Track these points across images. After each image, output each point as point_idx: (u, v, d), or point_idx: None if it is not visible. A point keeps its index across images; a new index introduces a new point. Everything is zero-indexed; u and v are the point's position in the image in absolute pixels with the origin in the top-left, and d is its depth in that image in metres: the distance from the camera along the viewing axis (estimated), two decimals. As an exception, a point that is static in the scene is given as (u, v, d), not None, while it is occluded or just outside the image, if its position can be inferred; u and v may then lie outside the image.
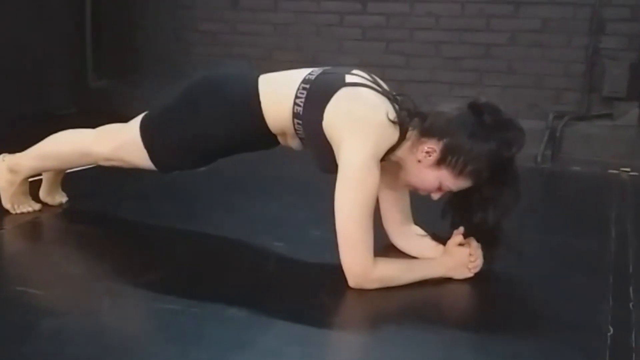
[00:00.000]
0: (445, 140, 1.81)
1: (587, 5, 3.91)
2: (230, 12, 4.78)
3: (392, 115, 1.86)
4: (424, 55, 4.31)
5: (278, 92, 1.98)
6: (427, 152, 1.83)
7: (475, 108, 1.83)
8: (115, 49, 5.15)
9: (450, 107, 1.88)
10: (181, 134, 2.08)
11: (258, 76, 2.04)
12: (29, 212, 2.35)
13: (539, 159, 3.95)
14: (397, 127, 1.85)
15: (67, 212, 2.44)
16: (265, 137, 2.05)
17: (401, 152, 1.88)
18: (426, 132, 1.84)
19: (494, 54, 4.17)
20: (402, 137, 1.87)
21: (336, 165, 1.86)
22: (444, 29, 4.24)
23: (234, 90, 2.03)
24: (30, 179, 2.38)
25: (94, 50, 5.16)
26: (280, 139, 2.07)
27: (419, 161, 1.85)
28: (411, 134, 1.89)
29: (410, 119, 1.87)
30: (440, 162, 1.82)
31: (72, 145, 2.28)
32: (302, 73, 1.99)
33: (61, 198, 2.50)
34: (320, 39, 4.54)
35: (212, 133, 2.04)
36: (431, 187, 1.88)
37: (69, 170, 2.50)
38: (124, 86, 5.00)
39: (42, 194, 2.47)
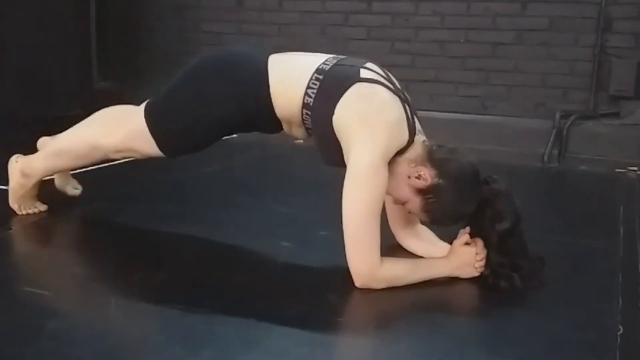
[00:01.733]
0: (440, 181, 1.82)
1: (594, 4, 3.90)
2: (235, 12, 4.79)
3: (403, 115, 1.86)
4: (430, 55, 4.31)
5: (289, 79, 1.95)
6: (418, 176, 1.83)
7: (487, 179, 1.88)
8: (120, 50, 5.16)
9: (469, 155, 1.89)
10: (185, 117, 2.05)
11: (267, 56, 2.00)
12: (34, 213, 2.34)
13: (545, 158, 3.94)
14: (407, 130, 1.85)
15: (73, 213, 2.44)
16: (270, 121, 2.02)
17: (403, 158, 1.86)
18: (432, 161, 1.84)
19: (500, 53, 4.16)
20: (410, 140, 1.86)
21: (341, 159, 1.85)
22: (449, 28, 4.24)
23: (240, 71, 1.99)
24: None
25: (99, 51, 5.17)
26: (285, 126, 2.05)
27: (408, 176, 1.84)
28: (418, 140, 1.89)
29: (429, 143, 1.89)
30: (421, 192, 1.84)
31: (81, 140, 2.25)
32: (316, 61, 1.96)
33: (78, 188, 2.50)
34: (325, 38, 4.54)
35: (216, 115, 2.01)
36: (398, 199, 1.91)
37: (77, 171, 2.51)
38: (129, 87, 5.00)
39: (58, 183, 2.48)
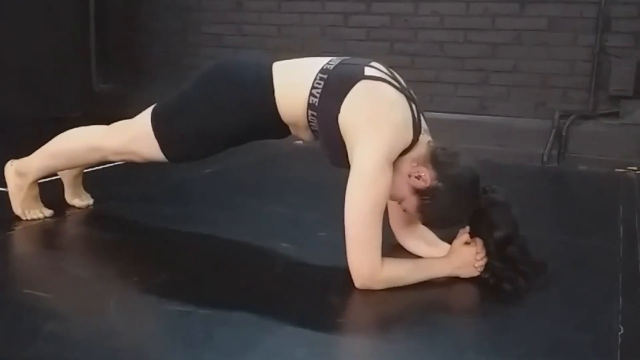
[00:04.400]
0: (438, 184, 1.81)
1: (593, 3, 3.90)
2: (235, 13, 4.79)
3: (409, 114, 1.86)
4: (429, 55, 4.31)
5: (293, 82, 1.95)
6: (419, 177, 1.83)
7: (486, 189, 1.89)
8: (120, 52, 5.17)
9: (470, 159, 1.88)
10: (193, 122, 2.05)
11: (272, 63, 2.00)
12: (39, 219, 2.32)
13: (545, 158, 3.94)
14: (412, 130, 1.85)
15: (74, 215, 2.44)
16: (276, 127, 2.02)
17: (406, 157, 1.86)
18: (434, 163, 1.83)
19: (499, 53, 4.16)
20: (415, 140, 1.86)
21: (347, 160, 1.84)
22: (448, 29, 4.24)
23: (246, 78, 2.00)
24: (43, 180, 2.37)
25: (99, 53, 5.17)
26: (291, 129, 2.04)
27: (409, 175, 1.84)
28: (423, 139, 1.89)
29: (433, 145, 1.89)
30: (419, 192, 1.84)
31: (80, 142, 2.26)
32: (320, 62, 1.96)
33: (88, 200, 2.51)
34: (325, 39, 4.54)
35: (223, 121, 2.02)
36: (395, 196, 1.90)
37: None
38: (129, 89, 5.00)
39: (68, 197, 2.49)
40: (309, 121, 1.94)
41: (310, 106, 1.91)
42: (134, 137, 2.14)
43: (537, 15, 4.05)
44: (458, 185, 1.82)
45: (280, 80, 1.96)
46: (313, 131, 1.98)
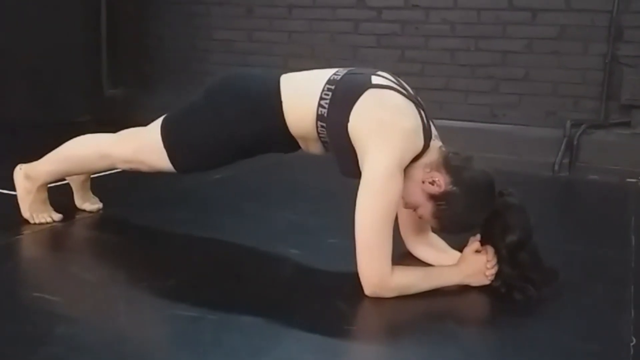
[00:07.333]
0: (453, 188, 1.80)
1: (605, 12, 3.88)
2: (246, 20, 4.80)
3: (418, 121, 1.85)
4: (440, 63, 4.30)
5: (301, 94, 1.95)
6: (432, 182, 1.82)
7: (502, 192, 1.87)
8: (131, 57, 5.19)
9: (482, 166, 1.87)
10: (201, 133, 2.06)
11: (279, 76, 2.02)
12: (47, 223, 2.33)
13: (556, 167, 3.92)
14: (423, 136, 1.84)
15: (83, 220, 2.45)
16: (285, 140, 2.03)
17: (418, 163, 1.86)
18: (447, 168, 1.82)
19: (510, 61, 4.14)
20: (426, 146, 1.85)
21: (359, 170, 1.84)
22: (459, 36, 4.23)
23: (254, 90, 2.01)
24: (54, 184, 2.37)
25: (110, 58, 5.20)
26: (301, 143, 2.05)
27: (422, 181, 1.84)
28: (434, 145, 1.88)
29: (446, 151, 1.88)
30: (434, 197, 1.83)
31: (90, 148, 2.28)
32: (327, 73, 1.97)
33: (97, 204, 2.52)
34: (335, 46, 4.54)
35: (231, 133, 2.03)
36: (410, 203, 1.89)
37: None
38: (139, 94, 5.02)
39: (77, 202, 2.50)
40: (318, 132, 1.94)
41: (319, 117, 1.91)
42: (143, 146, 2.15)
43: (548, 23, 4.03)
44: (472, 189, 1.81)
45: (287, 93, 1.97)
46: (323, 143, 1.98)
